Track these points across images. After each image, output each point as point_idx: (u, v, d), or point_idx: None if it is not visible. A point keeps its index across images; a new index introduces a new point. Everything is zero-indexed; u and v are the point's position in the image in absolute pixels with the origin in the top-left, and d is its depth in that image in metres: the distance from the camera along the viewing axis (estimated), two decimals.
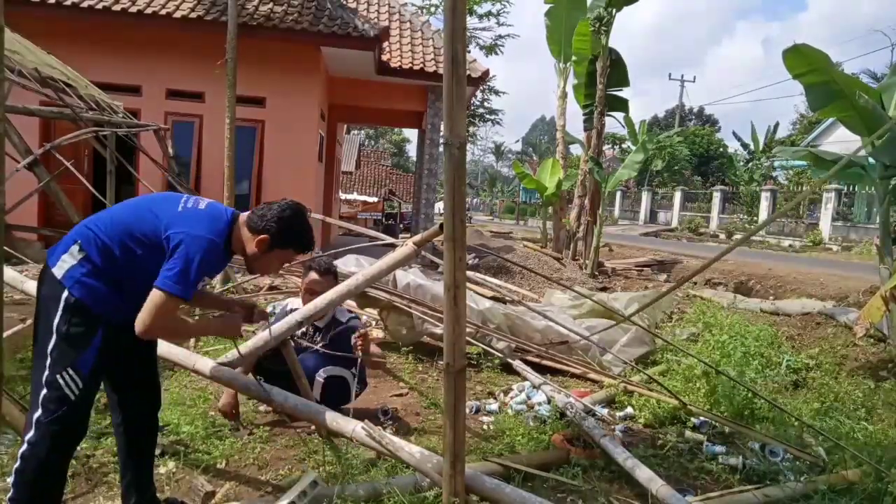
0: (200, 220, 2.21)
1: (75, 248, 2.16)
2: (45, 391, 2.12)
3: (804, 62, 5.40)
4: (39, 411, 2.12)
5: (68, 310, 2.13)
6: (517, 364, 4.94)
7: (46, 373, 2.12)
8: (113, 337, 2.21)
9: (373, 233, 6.03)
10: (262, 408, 3.81)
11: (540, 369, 5.00)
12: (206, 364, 2.90)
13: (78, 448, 2.88)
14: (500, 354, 5.09)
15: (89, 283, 2.15)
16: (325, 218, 8.03)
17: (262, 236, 2.28)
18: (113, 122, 5.95)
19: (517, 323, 5.39)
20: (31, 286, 2.96)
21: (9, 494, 2.17)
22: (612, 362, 5.21)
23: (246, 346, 2.96)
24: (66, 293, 2.13)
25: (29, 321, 4.49)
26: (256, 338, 3.06)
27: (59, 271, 2.15)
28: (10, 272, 2.85)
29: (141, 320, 2.10)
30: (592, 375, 5.01)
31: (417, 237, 3.64)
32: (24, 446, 2.14)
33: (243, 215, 2.36)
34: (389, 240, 5.35)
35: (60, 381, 2.12)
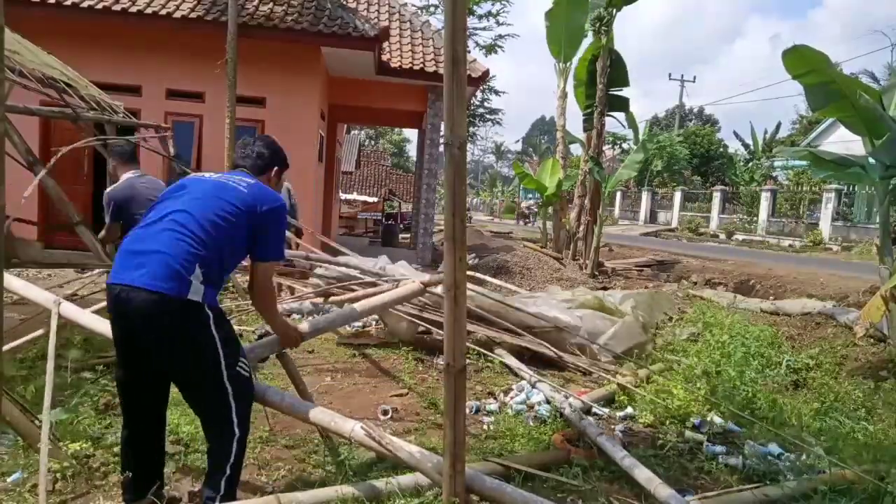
0: (269, 192, 2.57)
1: (199, 271, 2.28)
2: (230, 389, 2.34)
3: (803, 63, 5.40)
4: (235, 415, 2.37)
5: (215, 319, 2.32)
6: (510, 360, 4.95)
7: (225, 376, 2.33)
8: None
9: (370, 267, 6.02)
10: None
11: (536, 363, 5.01)
12: None
13: (77, 448, 2.90)
14: (496, 356, 5.09)
15: (213, 290, 2.35)
16: (326, 240, 8.02)
17: (275, 169, 2.74)
18: (113, 122, 5.94)
19: (509, 311, 5.40)
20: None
21: (220, 492, 2.35)
22: (602, 353, 5.24)
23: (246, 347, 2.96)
24: (206, 310, 2.29)
25: (27, 321, 4.49)
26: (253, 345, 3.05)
27: (195, 296, 2.26)
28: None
29: (262, 287, 2.52)
30: (583, 365, 5.01)
31: (426, 278, 3.68)
32: (235, 446, 2.38)
33: (241, 169, 2.69)
34: (389, 276, 5.41)
35: (240, 370, 2.39)
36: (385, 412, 3.96)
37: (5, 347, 3.02)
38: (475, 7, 23.18)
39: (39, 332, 3.47)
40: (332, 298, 5.45)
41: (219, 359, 2.30)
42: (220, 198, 2.41)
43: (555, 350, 5.18)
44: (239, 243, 2.42)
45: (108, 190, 4.68)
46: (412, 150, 49.39)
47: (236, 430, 2.38)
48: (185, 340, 2.28)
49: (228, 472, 2.38)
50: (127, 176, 4.62)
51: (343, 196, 27.71)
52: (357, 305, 3.35)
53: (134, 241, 2.36)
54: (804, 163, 15.93)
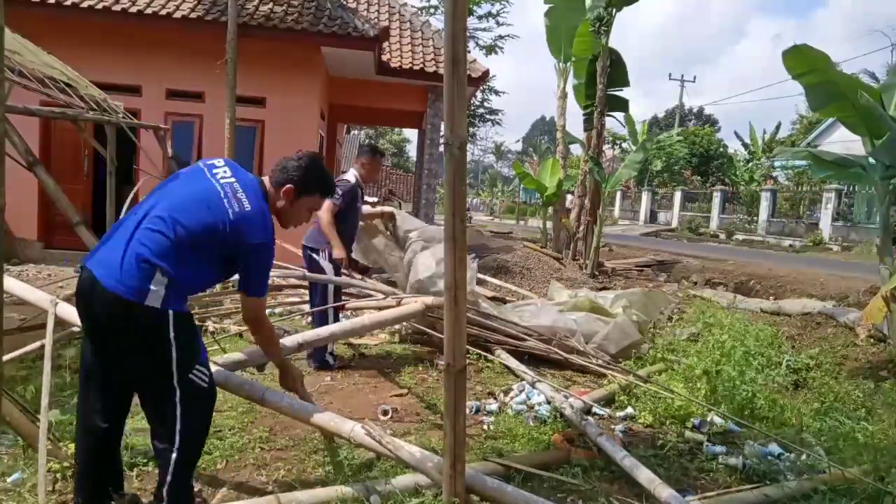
0: (261, 223, 2.34)
1: (159, 275, 2.17)
2: (178, 399, 2.26)
3: (804, 62, 5.40)
4: (179, 432, 2.27)
5: (175, 324, 2.23)
6: (511, 361, 4.94)
7: (175, 379, 2.24)
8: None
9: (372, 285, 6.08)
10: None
11: (540, 363, 5.01)
12: None
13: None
14: (495, 357, 5.09)
15: (177, 296, 2.24)
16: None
17: (288, 186, 2.46)
18: (113, 123, 5.94)
19: (507, 325, 5.41)
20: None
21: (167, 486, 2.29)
22: (598, 354, 5.25)
23: (247, 351, 2.97)
24: (167, 315, 2.20)
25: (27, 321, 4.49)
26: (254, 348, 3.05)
27: (154, 302, 2.17)
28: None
29: (249, 321, 2.46)
30: (577, 360, 5.01)
31: (430, 300, 3.70)
32: (173, 468, 2.27)
33: (266, 178, 2.52)
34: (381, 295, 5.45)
35: (194, 378, 2.29)
36: (385, 412, 3.96)
37: (7, 357, 3.02)
38: (475, 7, 23.16)
39: (38, 343, 3.46)
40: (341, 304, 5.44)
41: (171, 365, 2.21)
42: (207, 207, 2.26)
43: (560, 352, 5.17)
44: (216, 263, 2.32)
45: None
46: (412, 150, 49.39)
47: (175, 449, 2.25)
48: (135, 342, 2.22)
49: (166, 499, 2.28)
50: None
51: None
52: (358, 321, 3.35)
53: (112, 231, 2.35)
54: (804, 163, 15.94)
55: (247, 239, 2.28)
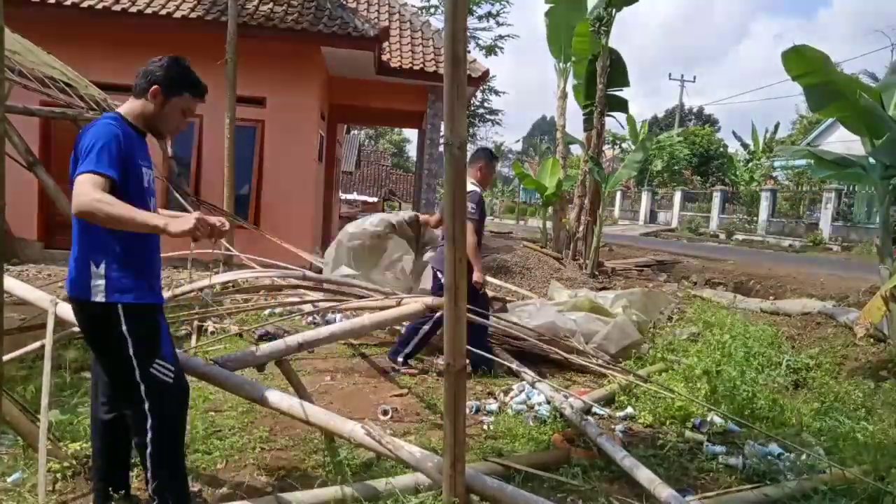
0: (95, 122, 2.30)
1: (93, 267, 2.22)
2: (144, 394, 2.27)
3: (803, 63, 5.40)
4: (150, 427, 2.28)
5: (127, 318, 2.24)
6: (506, 358, 4.94)
7: (137, 375, 2.26)
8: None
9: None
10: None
11: (540, 363, 5.01)
12: (197, 363, 2.88)
13: (77, 448, 2.90)
14: (502, 361, 5.09)
15: (121, 279, 2.23)
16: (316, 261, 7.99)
17: (154, 87, 2.35)
18: None
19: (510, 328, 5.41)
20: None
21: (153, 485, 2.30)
22: (597, 354, 5.26)
23: (243, 354, 2.97)
24: (116, 309, 2.22)
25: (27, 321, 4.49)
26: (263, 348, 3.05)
27: (99, 296, 2.21)
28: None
29: (73, 201, 2.10)
30: (577, 360, 5.01)
31: (430, 300, 3.70)
32: (149, 433, 2.28)
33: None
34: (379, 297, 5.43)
35: (156, 372, 2.28)
36: (385, 412, 3.96)
37: (7, 357, 3.01)
38: (475, 7, 23.17)
39: (38, 343, 3.46)
40: (340, 306, 5.43)
41: (130, 361, 2.24)
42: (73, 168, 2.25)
43: (560, 352, 5.17)
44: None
45: None
46: (412, 150, 49.41)
47: (148, 443, 2.28)
48: (95, 340, 2.33)
49: (155, 499, 2.31)
50: None
51: (343, 196, 27.72)
52: (358, 321, 3.35)
53: None
54: (804, 163, 15.94)
55: (81, 142, 2.24)
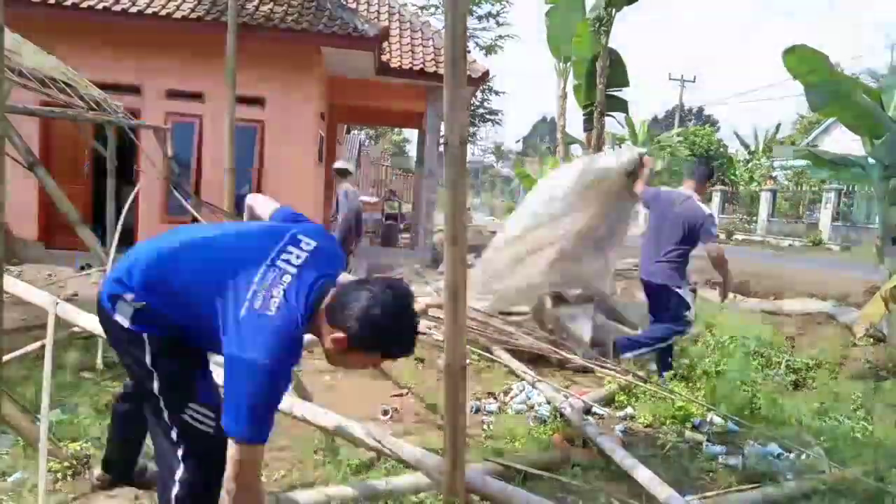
0: (261, 336, 1.68)
1: (130, 296, 1.88)
2: (176, 436, 1.91)
3: (803, 62, 5.40)
4: (177, 478, 1.90)
5: (154, 351, 1.90)
6: (508, 359, 4.95)
7: (166, 416, 1.92)
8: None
9: None
10: None
11: (540, 363, 5.01)
12: None
13: (77, 448, 2.90)
14: (498, 359, 5.09)
15: (149, 322, 1.89)
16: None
17: (338, 335, 1.75)
18: (113, 123, 5.95)
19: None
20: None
21: None
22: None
23: None
24: (143, 338, 1.89)
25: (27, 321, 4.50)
26: None
27: (122, 318, 1.90)
28: None
29: (230, 478, 1.71)
30: (577, 360, 5.02)
31: (429, 300, 3.70)
32: (176, 488, 1.91)
33: (330, 295, 1.82)
34: None
35: (189, 419, 1.90)
36: (385, 412, 3.96)
37: (7, 357, 3.02)
38: (475, 7, 23.17)
39: (38, 343, 3.47)
40: None
41: (157, 401, 1.89)
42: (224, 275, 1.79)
43: (560, 352, 5.17)
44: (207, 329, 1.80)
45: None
46: (412, 151, 49.41)
47: (173, 501, 1.89)
48: (122, 357, 2.00)
49: None
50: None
51: None
52: None
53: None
54: (804, 163, 15.93)
55: (232, 347, 1.70)
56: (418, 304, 3.56)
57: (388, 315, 1.74)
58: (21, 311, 4.53)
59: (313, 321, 1.79)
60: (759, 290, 9.75)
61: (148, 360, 1.86)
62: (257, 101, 10.03)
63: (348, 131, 23.83)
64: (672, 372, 4.67)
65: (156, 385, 1.87)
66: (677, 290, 4.75)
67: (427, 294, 6.15)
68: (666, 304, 4.77)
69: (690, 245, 4.78)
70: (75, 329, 3.50)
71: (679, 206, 4.77)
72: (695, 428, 3.93)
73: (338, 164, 8.55)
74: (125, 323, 1.85)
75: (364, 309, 1.72)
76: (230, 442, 1.68)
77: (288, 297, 1.74)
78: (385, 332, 1.75)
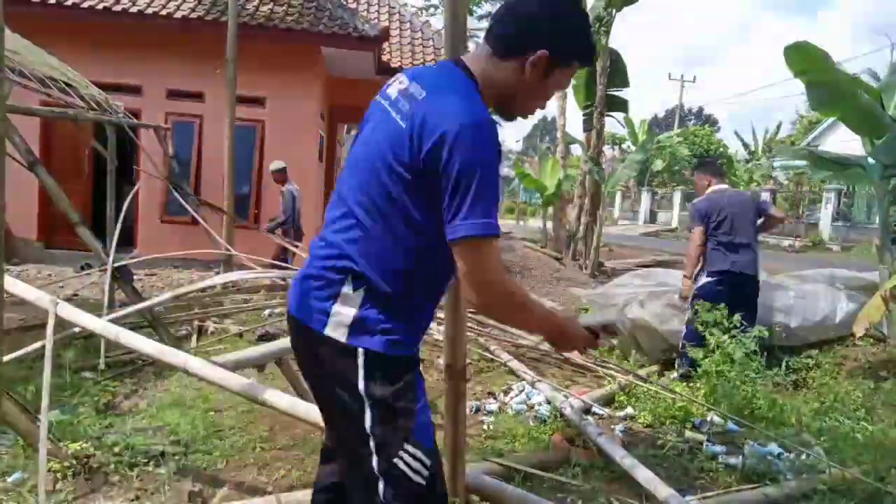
0: (456, 104, 1.41)
1: (347, 287, 1.49)
2: (381, 490, 1.50)
3: (804, 60, 5.39)
4: None
5: (370, 373, 1.50)
6: (508, 359, 4.95)
7: (374, 465, 1.50)
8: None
9: None
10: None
11: (539, 363, 5.01)
12: (197, 364, 2.87)
13: (77, 448, 2.90)
14: (497, 357, 5.09)
15: (384, 317, 1.50)
16: None
17: (541, 52, 1.48)
18: (113, 123, 5.95)
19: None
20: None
21: None
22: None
23: (243, 354, 2.97)
24: (359, 356, 1.49)
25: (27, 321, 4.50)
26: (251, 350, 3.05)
27: (336, 332, 1.49)
28: None
29: (475, 289, 1.41)
30: (577, 360, 5.00)
31: None
32: None
33: (470, 53, 1.63)
34: None
35: (401, 464, 1.50)
36: None
37: (7, 358, 3.01)
38: (475, 7, 23.16)
39: (39, 344, 3.46)
40: None
41: (366, 437, 1.48)
42: (378, 150, 1.50)
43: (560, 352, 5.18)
44: (414, 223, 1.46)
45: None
46: None
47: None
48: (326, 393, 1.59)
49: None
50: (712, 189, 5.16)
51: None
52: None
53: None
54: (804, 163, 15.95)
55: (436, 133, 1.38)
56: None
57: (568, 5, 1.58)
58: (21, 311, 4.53)
59: (480, 82, 1.52)
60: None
61: (361, 384, 1.47)
62: (257, 101, 10.04)
63: (348, 131, 23.82)
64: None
65: (367, 418, 1.48)
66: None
67: None
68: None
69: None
70: (75, 329, 3.50)
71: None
72: (695, 428, 3.93)
73: (278, 165, 8.61)
74: (339, 336, 1.48)
75: (547, 12, 1.51)
76: (471, 245, 1.38)
77: (424, 80, 1.51)
78: (579, 25, 1.57)
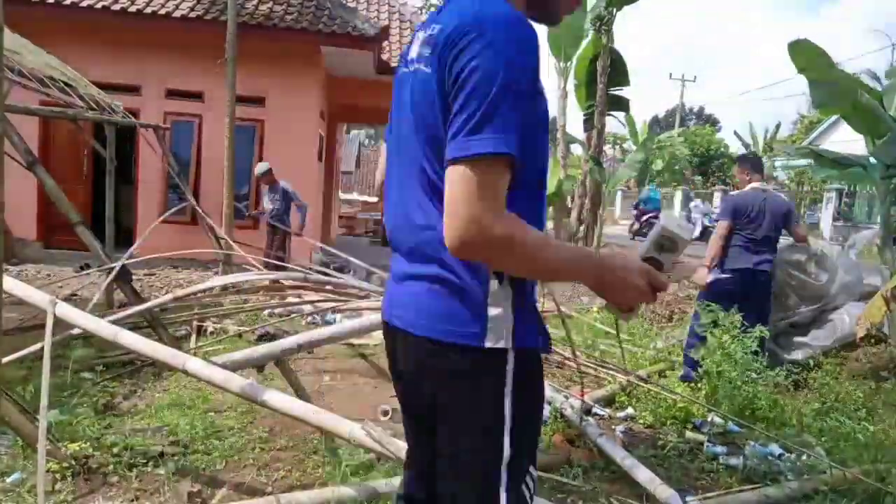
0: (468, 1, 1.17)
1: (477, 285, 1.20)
2: None
3: (806, 58, 5.38)
4: None
5: (517, 377, 1.23)
6: None
7: (501, 491, 1.22)
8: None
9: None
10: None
11: None
12: (196, 365, 2.87)
13: (77, 448, 2.90)
14: None
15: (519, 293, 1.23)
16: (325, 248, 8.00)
17: None
18: (112, 122, 5.94)
19: None
20: None
21: None
22: None
23: (242, 354, 2.96)
24: (510, 358, 1.22)
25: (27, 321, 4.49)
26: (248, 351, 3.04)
27: (493, 338, 1.20)
28: None
29: (452, 227, 1.10)
30: (577, 360, 5.00)
31: None
32: None
33: None
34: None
35: (525, 488, 1.26)
36: (385, 412, 3.95)
37: (7, 359, 3.01)
38: None
39: (39, 345, 3.46)
40: (340, 307, 5.42)
41: (498, 462, 1.22)
42: (412, 107, 1.25)
43: (560, 351, 5.17)
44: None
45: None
46: None
47: None
48: (443, 407, 1.28)
49: None
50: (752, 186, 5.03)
51: (343, 196, 27.71)
52: (358, 322, 3.35)
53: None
54: (805, 162, 15.94)
55: (462, 41, 1.11)
56: None
57: None
58: (21, 312, 4.52)
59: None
60: None
61: (508, 400, 1.21)
62: (257, 101, 10.03)
63: (348, 131, 23.84)
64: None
65: (506, 444, 1.21)
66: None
67: None
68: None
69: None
70: (75, 330, 3.49)
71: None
72: (695, 428, 3.93)
73: (263, 168, 8.55)
74: (497, 342, 1.20)
75: None
76: (459, 168, 1.09)
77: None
78: None
